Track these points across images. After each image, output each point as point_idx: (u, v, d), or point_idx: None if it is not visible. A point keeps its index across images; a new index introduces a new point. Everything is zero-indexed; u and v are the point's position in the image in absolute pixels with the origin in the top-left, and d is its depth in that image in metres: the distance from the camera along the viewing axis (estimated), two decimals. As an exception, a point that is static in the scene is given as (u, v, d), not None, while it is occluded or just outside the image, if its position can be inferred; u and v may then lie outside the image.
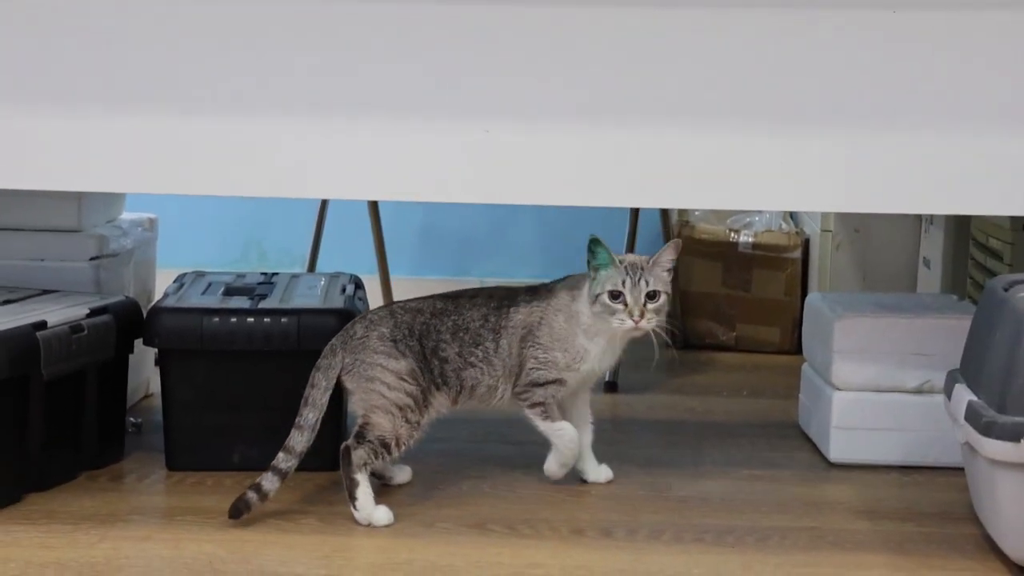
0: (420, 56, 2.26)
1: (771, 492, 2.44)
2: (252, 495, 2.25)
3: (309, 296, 2.57)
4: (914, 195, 2.30)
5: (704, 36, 2.24)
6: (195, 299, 2.53)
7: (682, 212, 3.64)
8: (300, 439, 2.27)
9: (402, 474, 2.42)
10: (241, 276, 2.73)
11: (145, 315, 2.49)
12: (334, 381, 2.31)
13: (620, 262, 2.31)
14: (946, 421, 2.23)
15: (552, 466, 2.38)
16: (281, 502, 2.31)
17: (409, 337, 2.33)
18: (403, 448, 2.29)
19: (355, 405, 2.32)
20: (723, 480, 2.50)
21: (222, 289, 2.60)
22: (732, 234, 3.53)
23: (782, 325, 3.46)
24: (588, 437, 2.43)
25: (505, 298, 2.37)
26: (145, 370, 2.86)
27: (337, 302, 2.52)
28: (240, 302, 2.51)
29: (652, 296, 2.29)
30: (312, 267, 3.59)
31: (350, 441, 2.28)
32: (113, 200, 2.87)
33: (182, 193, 2.35)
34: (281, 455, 2.26)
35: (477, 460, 2.40)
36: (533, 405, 2.34)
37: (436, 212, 3.91)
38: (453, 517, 2.27)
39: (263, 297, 2.54)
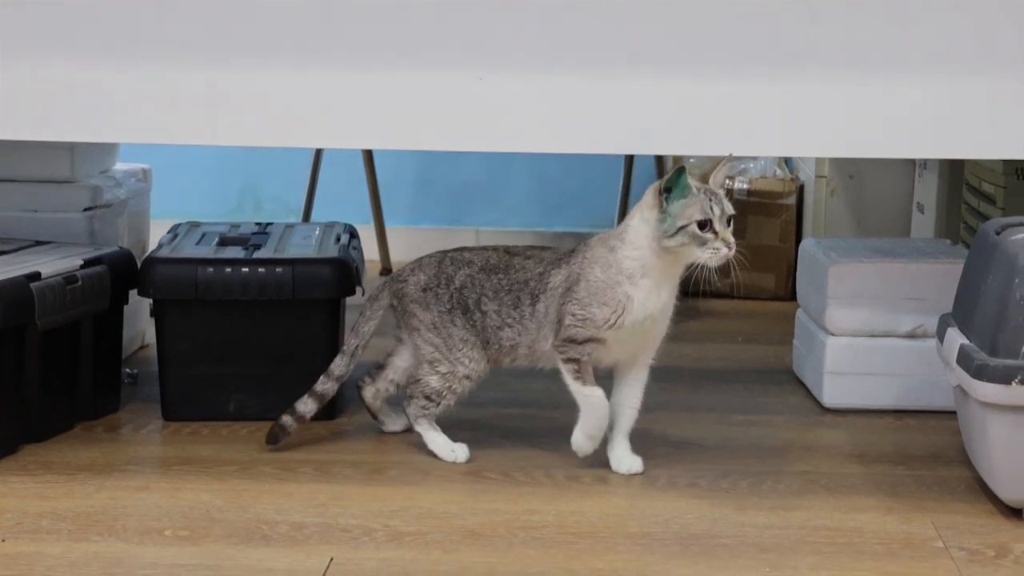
0: (412, 3, 2.25)
1: (765, 437, 2.45)
2: (288, 419, 2.31)
3: (304, 246, 2.57)
4: (908, 140, 2.30)
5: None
6: (190, 249, 2.53)
7: (677, 159, 3.63)
8: (340, 363, 2.32)
9: (394, 423, 2.43)
10: (236, 226, 2.73)
11: (140, 266, 2.49)
12: (379, 314, 2.34)
13: (698, 190, 2.16)
14: (938, 365, 2.24)
15: (579, 437, 2.25)
16: (277, 452, 2.32)
17: (446, 287, 2.30)
18: (442, 403, 2.29)
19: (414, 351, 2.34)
20: (718, 425, 2.51)
21: (216, 239, 2.61)
22: (727, 180, 3.53)
23: (777, 271, 3.47)
24: (627, 422, 2.27)
25: (551, 263, 2.27)
26: (140, 321, 2.86)
27: (332, 251, 2.53)
28: (235, 252, 2.51)
29: (729, 221, 2.18)
30: (307, 217, 3.59)
31: (408, 393, 2.33)
32: (107, 151, 2.87)
33: (176, 143, 2.35)
34: (321, 378, 2.32)
35: (471, 407, 2.40)
36: (568, 360, 2.23)
37: (431, 162, 3.91)
38: (448, 465, 2.28)
39: (258, 247, 2.54)
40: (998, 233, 2.14)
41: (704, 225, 2.14)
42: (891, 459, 2.34)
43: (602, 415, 2.24)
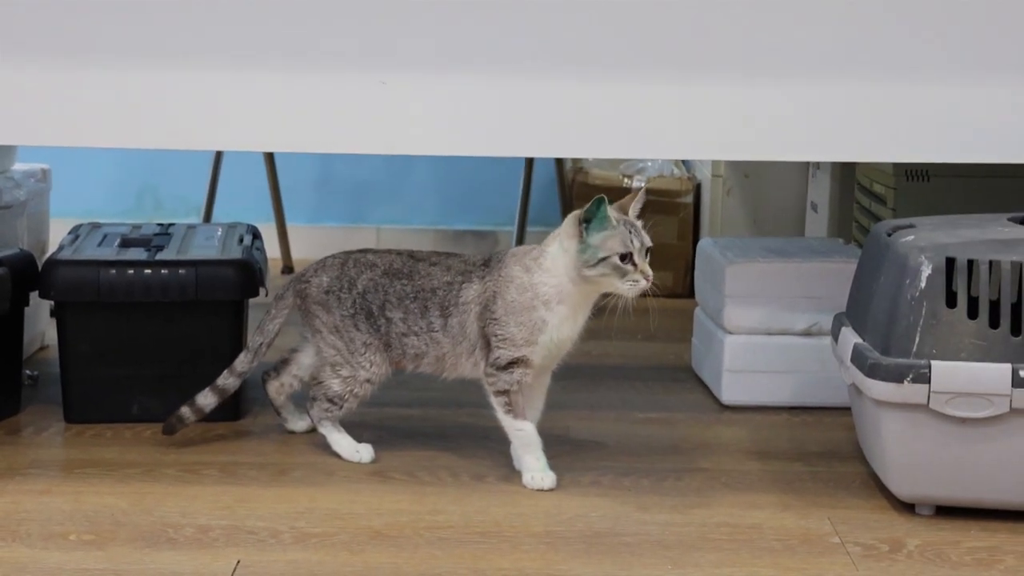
0: (317, 6, 2.25)
1: (666, 435, 2.49)
2: (186, 410, 2.32)
3: (206, 247, 2.57)
4: (801, 143, 2.34)
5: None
6: (91, 251, 2.52)
7: (576, 159, 3.67)
8: (243, 360, 2.33)
9: (296, 422, 2.43)
10: (137, 227, 2.72)
11: (41, 268, 2.47)
12: (284, 313, 2.34)
13: (618, 222, 2.17)
14: (833, 362, 2.29)
15: (534, 473, 2.22)
16: (182, 453, 2.32)
17: (348, 291, 2.29)
18: (344, 405, 2.30)
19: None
20: (619, 423, 2.55)
21: (118, 240, 2.59)
22: (625, 179, 3.57)
23: (675, 269, 3.52)
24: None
25: (460, 273, 2.27)
26: (40, 322, 2.84)
27: (235, 252, 2.53)
28: (137, 253, 2.50)
29: (647, 253, 2.20)
30: (208, 216, 3.57)
31: (311, 395, 2.33)
32: (5, 151, 2.83)
33: (74, 145, 2.33)
34: (224, 372, 2.32)
35: (375, 407, 2.42)
36: (498, 393, 2.23)
37: (332, 160, 3.91)
38: (352, 466, 2.30)
39: (160, 248, 2.53)
40: (889, 235, 2.20)
41: (625, 257, 2.17)
42: (788, 456, 2.39)
43: (537, 443, 2.24)
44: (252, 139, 2.38)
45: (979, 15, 2.26)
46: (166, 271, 2.43)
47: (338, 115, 2.29)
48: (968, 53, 2.27)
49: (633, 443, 2.44)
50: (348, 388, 2.30)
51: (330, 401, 2.31)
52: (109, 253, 2.50)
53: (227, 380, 2.33)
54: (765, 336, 2.62)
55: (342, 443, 2.32)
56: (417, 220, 3.95)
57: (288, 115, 2.29)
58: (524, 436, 2.24)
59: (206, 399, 2.33)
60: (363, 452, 2.32)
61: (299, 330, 2.39)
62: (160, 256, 2.48)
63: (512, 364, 2.22)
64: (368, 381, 2.30)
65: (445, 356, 2.28)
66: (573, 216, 2.21)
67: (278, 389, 2.41)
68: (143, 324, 2.45)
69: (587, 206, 2.17)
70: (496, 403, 2.25)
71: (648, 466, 2.33)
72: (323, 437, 2.33)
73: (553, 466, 2.27)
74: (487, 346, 2.24)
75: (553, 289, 2.21)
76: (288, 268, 3.68)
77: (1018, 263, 2.04)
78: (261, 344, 2.34)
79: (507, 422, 2.25)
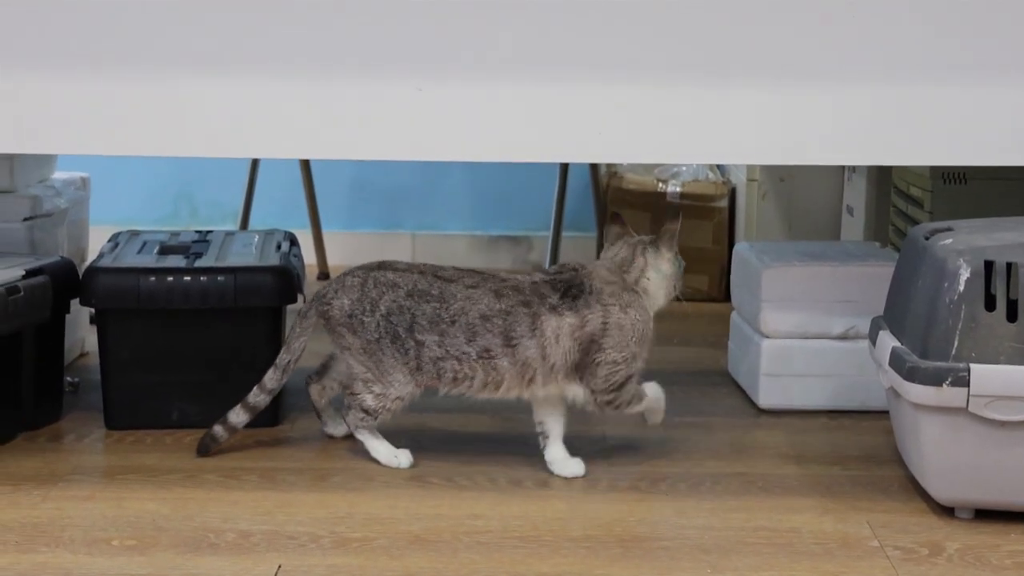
0: (351, 14, 2.27)
1: (703, 439, 2.50)
2: (219, 429, 2.33)
3: (244, 254, 2.59)
4: (836, 146, 2.34)
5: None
6: (131, 258, 2.54)
7: (611, 164, 3.67)
8: (272, 376, 2.34)
9: (336, 428, 2.44)
10: (176, 234, 2.74)
11: (81, 275, 2.49)
12: (309, 331, 2.34)
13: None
14: (871, 366, 2.29)
15: (655, 415, 2.39)
16: (223, 459, 2.34)
17: (371, 314, 2.29)
18: (379, 417, 2.31)
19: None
20: (655, 428, 2.54)
21: (157, 248, 2.61)
22: (660, 184, 3.58)
23: (710, 273, 3.52)
24: (561, 427, 2.33)
25: (521, 303, 2.26)
26: (80, 328, 2.86)
27: (273, 259, 2.54)
28: (176, 261, 2.52)
29: None
30: (245, 223, 3.59)
31: (346, 403, 2.35)
32: (45, 160, 2.86)
33: (115, 154, 2.35)
34: (254, 389, 2.33)
35: (414, 412, 2.43)
36: (627, 404, 2.31)
37: (367, 166, 3.92)
38: (391, 471, 2.31)
39: (198, 255, 2.55)
40: (927, 238, 2.19)
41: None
42: (826, 459, 2.39)
43: (662, 396, 2.39)
44: (288, 146, 2.39)
45: (1009, 17, 2.26)
46: (205, 278, 2.45)
47: (374, 121, 2.31)
48: (1000, 55, 2.27)
49: (670, 447, 2.44)
50: (381, 404, 2.31)
51: (364, 412, 2.32)
52: (148, 260, 2.52)
53: (257, 397, 2.34)
54: (802, 340, 2.62)
55: (380, 449, 2.33)
56: (452, 226, 3.96)
57: (323, 122, 2.30)
58: (655, 397, 2.37)
59: (238, 416, 2.34)
60: (401, 457, 2.33)
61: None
62: (199, 263, 2.50)
63: (628, 379, 2.30)
64: (399, 399, 2.31)
65: (503, 380, 2.28)
66: (671, 236, 2.33)
67: (320, 392, 2.43)
68: (182, 331, 2.46)
69: (670, 233, 2.33)
70: (628, 412, 2.33)
71: (685, 470, 2.33)
72: (360, 443, 2.34)
73: (590, 472, 2.28)
74: (582, 369, 2.27)
75: (656, 307, 2.35)
76: (324, 274, 3.70)
77: (1057, 266, 2.04)
78: (289, 362, 2.34)
79: (643, 406, 2.35)
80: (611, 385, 2.28)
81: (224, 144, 2.35)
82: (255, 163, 3.59)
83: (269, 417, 2.44)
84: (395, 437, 2.35)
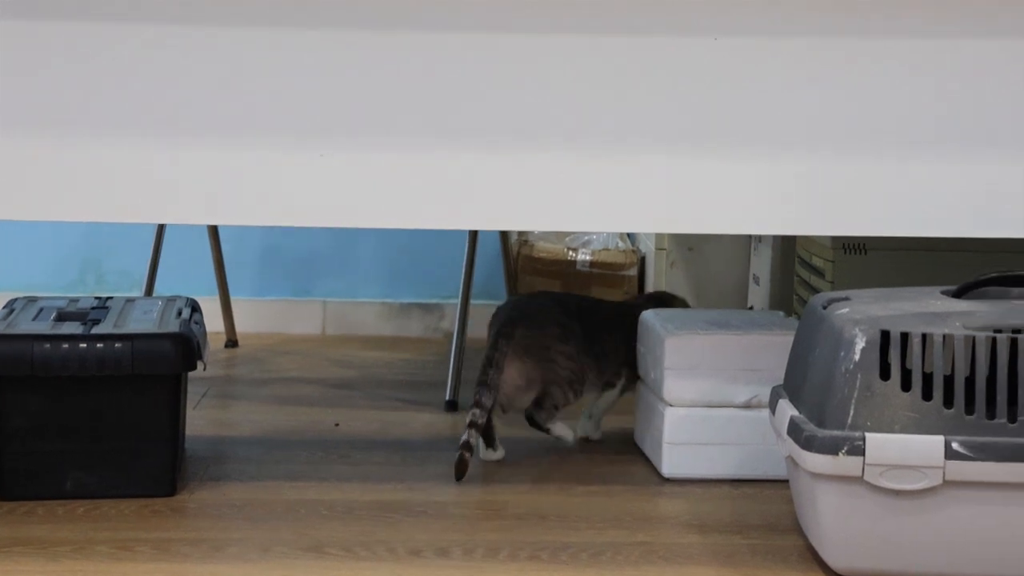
0: (253, 80, 2.26)
1: (606, 508, 2.48)
2: (466, 453, 2.59)
3: (144, 320, 2.55)
4: (741, 216, 2.36)
5: (539, 61, 2.28)
6: (26, 325, 2.50)
7: (521, 231, 3.68)
8: (487, 395, 2.64)
9: (495, 453, 2.71)
10: (74, 300, 2.70)
11: (-26, 342, 2.45)
12: (510, 348, 2.66)
13: None
14: (773, 435, 2.29)
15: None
16: (116, 530, 2.29)
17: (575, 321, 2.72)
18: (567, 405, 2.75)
19: (532, 375, 2.69)
20: (560, 496, 2.54)
21: (54, 314, 2.57)
22: (570, 252, 3.59)
23: (620, 341, 3.52)
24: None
25: None
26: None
27: (172, 326, 2.51)
28: (73, 327, 2.48)
29: None
30: (150, 290, 3.56)
31: (531, 408, 2.72)
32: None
33: (14, 219, 2.32)
34: (476, 411, 2.62)
35: (316, 480, 2.40)
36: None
37: (276, 233, 3.91)
38: (289, 540, 2.28)
39: (96, 322, 2.52)
40: (825, 307, 2.21)
41: None
42: (728, 528, 2.38)
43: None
44: (193, 212, 2.37)
45: (913, 94, 2.30)
46: (102, 345, 2.41)
47: (279, 187, 2.29)
48: (900, 130, 2.30)
49: (573, 516, 2.43)
50: (572, 400, 2.81)
51: (555, 407, 2.77)
52: (44, 327, 2.48)
53: (482, 417, 2.63)
54: (705, 408, 2.62)
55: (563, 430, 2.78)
56: (363, 293, 3.95)
57: (230, 187, 2.29)
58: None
59: (473, 438, 2.61)
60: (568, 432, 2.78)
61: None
62: (96, 330, 2.46)
63: None
64: (581, 392, 2.82)
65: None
66: None
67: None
68: (79, 398, 2.42)
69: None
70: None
71: (588, 540, 2.32)
72: (546, 432, 2.75)
73: (491, 542, 2.26)
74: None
75: None
76: (232, 342, 3.67)
77: (950, 336, 2.06)
78: (499, 378, 2.66)
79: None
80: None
81: (130, 209, 2.32)
82: (161, 230, 3.56)
83: (165, 486, 2.40)
84: (294, 507, 2.32)
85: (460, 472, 2.58)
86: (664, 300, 2.91)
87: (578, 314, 2.74)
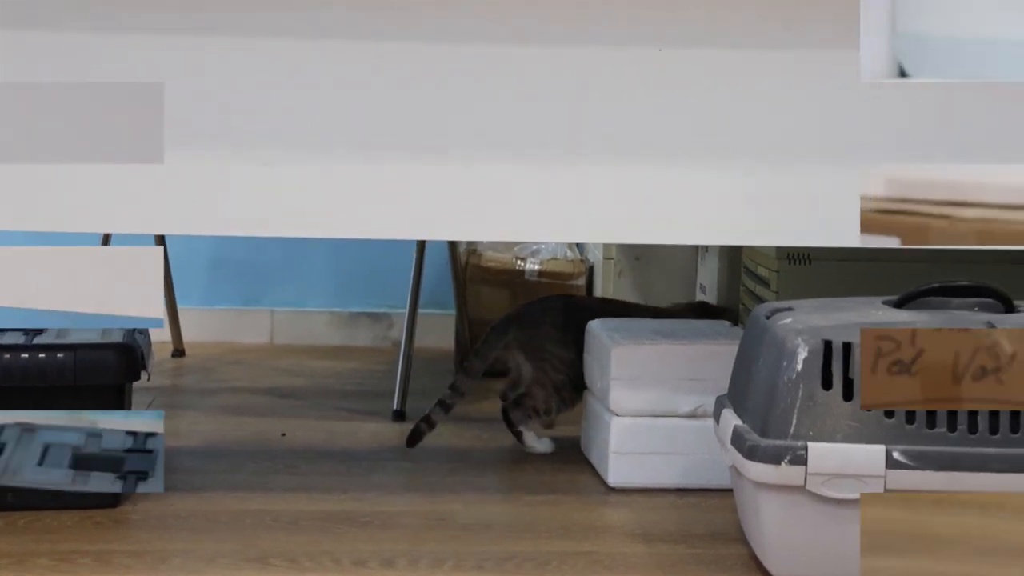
0: (200, 88, 2.26)
1: (553, 517, 2.49)
2: (423, 425, 2.73)
3: (87, 331, 2.54)
4: (686, 226, 2.38)
5: (484, 72, 2.29)
6: (-33, 335, 2.48)
7: (470, 242, 3.68)
8: (466, 381, 2.75)
9: (543, 446, 2.80)
10: (17, 311, 2.68)
11: (-86, 353, 2.43)
12: (500, 345, 2.73)
13: None
14: (717, 445, 2.30)
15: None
16: (56, 542, 2.27)
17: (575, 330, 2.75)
18: (551, 416, 2.79)
19: (523, 373, 2.75)
20: (506, 506, 2.54)
21: (-4, 324, 2.56)
22: (519, 262, 3.59)
23: (568, 351, 3.53)
24: None
25: None
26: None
27: (116, 336, 2.50)
28: (14, 337, 2.46)
29: None
30: (96, 299, 3.53)
31: (508, 404, 2.77)
32: None
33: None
34: (448, 391, 2.73)
35: (262, 491, 2.39)
36: None
37: (224, 243, 3.89)
38: (233, 552, 2.26)
39: (39, 332, 2.50)
40: (768, 317, 2.22)
41: None
42: (673, 538, 2.39)
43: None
44: (136, 222, 2.36)
45: (831, 104, 2.32)
46: (44, 355, 2.40)
47: (226, 197, 2.29)
48: (838, 140, 2.33)
49: (519, 526, 2.43)
50: (555, 407, 2.83)
51: (534, 411, 2.80)
52: (-14, 337, 2.46)
53: (453, 399, 2.75)
54: (651, 418, 2.63)
55: (531, 439, 2.81)
56: (311, 303, 3.94)
57: (176, 197, 2.28)
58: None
59: (438, 415, 2.76)
60: (542, 444, 2.81)
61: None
62: (38, 340, 2.44)
63: None
64: (570, 402, 2.84)
65: None
66: None
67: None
68: (21, 409, 2.40)
69: None
70: None
71: (533, 550, 2.32)
72: (515, 435, 2.81)
73: (436, 552, 2.26)
74: None
75: None
76: (179, 351, 3.65)
77: (891, 345, 2.07)
78: (481, 368, 2.78)
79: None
80: None
81: (73, 219, 2.31)
82: (106, 239, 3.53)
83: (108, 498, 2.39)
84: (240, 517, 2.30)
85: (411, 441, 2.73)
86: (706, 311, 2.99)
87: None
